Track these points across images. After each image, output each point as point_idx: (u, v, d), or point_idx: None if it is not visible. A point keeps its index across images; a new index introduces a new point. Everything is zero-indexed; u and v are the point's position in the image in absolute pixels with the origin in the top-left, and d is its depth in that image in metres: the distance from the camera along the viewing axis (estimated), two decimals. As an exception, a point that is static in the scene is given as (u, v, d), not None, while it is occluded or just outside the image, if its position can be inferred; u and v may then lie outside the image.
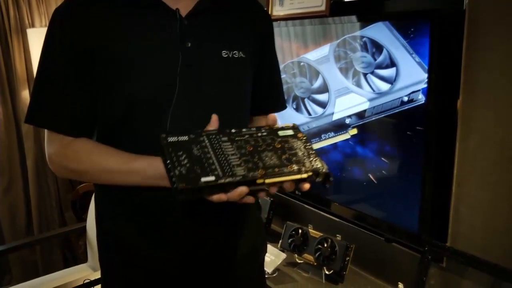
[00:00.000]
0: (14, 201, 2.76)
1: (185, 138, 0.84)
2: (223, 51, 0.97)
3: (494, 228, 1.28)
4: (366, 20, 1.49)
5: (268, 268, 1.69)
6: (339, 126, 1.64)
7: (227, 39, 0.99)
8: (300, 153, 0.87)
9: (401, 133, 1.46)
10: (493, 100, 1.25)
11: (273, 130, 0.90)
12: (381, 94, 1.46)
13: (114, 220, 1.02)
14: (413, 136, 1.41)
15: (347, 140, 1.62)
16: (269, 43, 1.12)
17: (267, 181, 0.81)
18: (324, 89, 1.68)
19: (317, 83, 1.71)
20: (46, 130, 0.98)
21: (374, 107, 1.50)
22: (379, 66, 1.46)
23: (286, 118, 1.83)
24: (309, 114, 1.76)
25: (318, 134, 1.72)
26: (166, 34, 0.93)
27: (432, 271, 1.43)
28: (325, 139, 1.70)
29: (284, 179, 0.83)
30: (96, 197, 1.07)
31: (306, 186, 0.86)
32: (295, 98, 1.81)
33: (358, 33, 1.52)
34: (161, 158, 0.84)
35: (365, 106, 1.52)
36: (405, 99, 1.40)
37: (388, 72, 1.43)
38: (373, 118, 1.51)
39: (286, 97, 1.82)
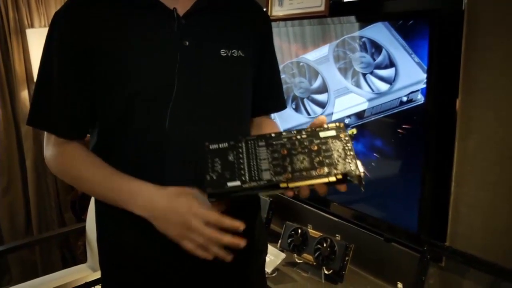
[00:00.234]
0: (14, 201, 2.76)
1: (225, 145, 0.87)
2: (222, 50, 0.97)
3: (494, 228, 1.28)
4: (365, 21, 1.49)
5: (268, 268, 1.69)
6: (339, 126, 1.64)
7: (226, 38, 0.99)
8: (335, 155, 0.84)
9: (400, 133, 1.46)
10: (492, 100, 1.25)
11: (314, 132, 0.88)
12: (380, 94, 1.47)
13: (115, 222, 1.02)
14: (412, 136, 1.41)
15: (346, 140, 1.62)
16: (268, 42, 1.12)
17: (291, 185, 0.81)
18: (323, 89, 1.68)
19: (317, 83, 1.71)
20: (45, 133, 1.00)
21: (373, 107, 1.50)
22: (378, 66, 1.46)
23: (285, 118, 1.84)
24: (309, 114, 1.76)
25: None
26: (164, 34, 0.94)
27: (431, 270, 1.43)
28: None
29: (309, 183, 0.82)
30: (97, 200, 1.07)
31: (342, 188, 0.84)
32: (295, 98, 1.82)
33: (357, 33, 1.52)
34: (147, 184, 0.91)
35: (364, 106, 1.53)
36: (404, 99, 1.40)
37: (387, 72, 1.43)
38: (372, 118, 1.51)
39: (285, 97, 1.83)
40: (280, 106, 1.19)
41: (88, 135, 1.03)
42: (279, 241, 1.79)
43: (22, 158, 2.76)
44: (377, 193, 1.57)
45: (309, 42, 1.72)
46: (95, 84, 0.93)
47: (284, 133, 0.88)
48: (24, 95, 2.69)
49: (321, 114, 1.70)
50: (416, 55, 1.34)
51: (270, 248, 1.72)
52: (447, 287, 1.43)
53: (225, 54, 0.97)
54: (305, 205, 1.91)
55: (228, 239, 0.85)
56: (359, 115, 1.55)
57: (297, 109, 1.81)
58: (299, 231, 1.73)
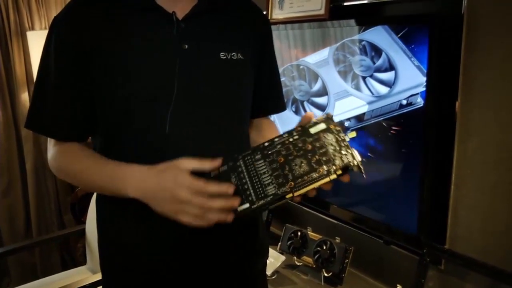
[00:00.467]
0: (13, 203, 2.76)
1: (225, 168, 0.88)
2: (221, 53, 0.97)
3: (493, 230, 1.29)
4: (365, 24, 1.50)
5: (268, 270, 1.69)
6: (338, 129, 1.64)
7: (225, 40, 1.00)
8: (331, 150, 0.83)
9: (400, 136, 1.46)
10: (492, 103, 1.25)
11: (304, 129, 0.87)
12: (380, 97, 1.47)
13: (116, 225, 1.02)
14: (411, 138, 1.42)
15: (346, 143, 1.62)
16: (267, 44, 1.12)
17: (296, 194, 0.82)
18: (323, 92, 1.69)
19: (317, 86, 1.71)
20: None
21: (373, 110, 1.51)
22: (378, 70, 1.47)
23: (285, 120, 1.84)
24: (308, 117, 1.77)
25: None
26: (164, 37, 0.94)
27: (431, 273, 1.44)
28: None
29: (312, 187, 0.82)
30: (98, 201, 1.07)
31: (345, 179, 0.84)
32: (295, 101, 1.82)
33: (357, 36, 1.53)
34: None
35: (364, 109, 1.53)
36: (404, 102, 1.40)
37: (387, 76, 1.44)
38: (372, 121, 1.52)
39: (285, 100, 1.83)
40: (280, 107, 1.19)
41: (89, 137, 1.03)
42: (279, 243, 1.80)
43: (22, 160, 2.76)
44: (376, 196, 1.58)
45: (309, 45, 1.73)
46: (95, 85, 0.93)
47: (276, 139, 0.87)
48: (25, 97, 2.69)
49: (321, 117, 1.70)
50: (415, 59, 1.35)
51: (270, 250, 1.72)
52: (446, 290, 1.44)
53: (224, 57, 0.98)
54: (304, 208, 1.91)
55: (219, 203, 0.84)
56: (359, 118, 1.56)
57: (297, 112, 1.82)
58: (299, 233, 1.73)
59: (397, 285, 1.51)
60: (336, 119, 1.58)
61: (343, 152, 0.82)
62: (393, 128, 1.46)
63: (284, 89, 1.84)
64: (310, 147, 0.84)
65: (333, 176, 0.81)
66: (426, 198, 1.39)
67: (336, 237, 1.66)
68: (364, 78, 1.52)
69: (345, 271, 1.60)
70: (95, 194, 1.15)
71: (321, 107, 1.70)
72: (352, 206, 1.68)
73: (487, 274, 1.27)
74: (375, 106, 1.49)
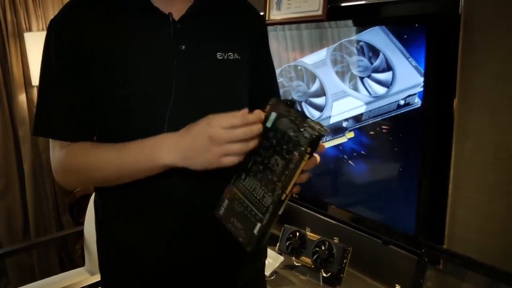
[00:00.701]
0: (11, 205, 2.75)
1: (226, 202, 0.90)
2: (218, 53, 0.98)
3: (491, 230, 1.29)
4: (362, 25, 1.50)
5: (266, 271, 1.69)
6: (336, 130, 1.65)
7: (222, 41, 1.00)
8: (291, 134, 0.82)
9: (398, 136, 1.47)
10: (489, 103, 1.26)
11: (265, 129, 0.85)
12: (378, 97, 1.47)
13: (115, 226, 1.02)
14: (409, 139, 1.42)
15: (344, 143, 1.63)
16: (264, 44, 1.12)
17: (287, 191, 0.81)
18: (321, 92, 1.69)
19: (314, 87, 1.72)
20: (50, 140, 0.99)
21: (370, 110, 1.51)
22: (376, 70, 1.47)
23: (283, 121, 1.84)
24: (306, 117, 1.77)
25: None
26: (161, 38, 0.94)
27: (429, 273, 1.44)
28: (322, 142, 1.70)
29: (297, 175, 0.81)
30: (96, 203, 1.07)
31: (320, 150, 0.83)
32: (292, 101, 1.82)
33: (354, 37, 1.53)
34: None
35: (362, 109, 1.53)
36: (402, 102, 1.41)
37: (385, 76, 1.44)
38: (370, 122, 1.52)
39: (283, 101, 1.83)
40: None
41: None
42: (277, 244, 1.80)
43: (19, 162, 2.76)
44: (375, 196, 1.58)
45: (306, 46, 1.73)
46: (95, 85, 0.93)
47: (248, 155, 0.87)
48: (22, 98, 2.69)
49: (319, 118, 1.70)
50: (413, 59, 1.35)
51: (269, 251, 1.72)
52: (444, 290, 1.44)
53: (221, 57, 0.98)
54: (303, 208, 1.91)
55: (255, 127, 0.81)
56: (357, 118, 1.56)
57: (295, 113, 1.82)
58: (297, 234, 1.73)
59: (396, 285, 1.52)
60: (334, 119, 1.59)
61: (302, 130, 0.80)
62: (391, 128, 1.46)
63: (282, 90, 1.85)
64: (275, 141, 0.84)
65: (307, 156, 0.80)
66: (424, 198, 1.40)
67: (335, 238, 1.66)
68: (361, 78, 1.52)
69: (343, 271, 1.61)
70: (93, 195, 1.15)
71: (319, 108, 1.70)
72: (351, 206, 1.68)
73: (486, 273, 1.27)
74: (373, 106, 1.50)
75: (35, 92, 2.68)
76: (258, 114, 0.82)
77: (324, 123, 1.68)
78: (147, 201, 0.97)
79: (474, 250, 1.31)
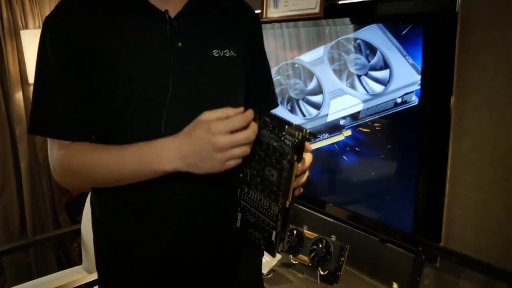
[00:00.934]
0: (8, 203, 2.75)
1: (240, 215, 0.94)
2: (214, 51, 0.97)
3: (487, 228, 1.29)
4: (360, 22, 1.50)
5: (263, 269, 1.69)
6: (334, 128, 1.64)
7: (218, 38, 1.00)
8: (275, 144, 0.83)
9: (395, 134, 1.47)
10: (486, 101, 1.26)
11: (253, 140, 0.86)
12: (375, 95, 1.47)
13: (112, 225, 1.01)
14: (406, 137, 1.42)
15: (341, 141, 1.63)
16: (259, 42, 1.12)
17: (289, 198, 0.83)
18: (318, 90, 1.69)
19: (312, 85, 1.71)
20: (48, 139, 0.98)
21: (368, 108, 1.51)
22: (373, 68, 1.47)
23: (280, 119, 1.84)
24: (304, 115, 1.77)
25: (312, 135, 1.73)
26: (157, 36, 0.93)
27: (426, 271, 1.44)
28: (319, 140, 1.70)
29: (293, 181, 0.82)
30: (92, 202, 1.06)
31: (308, 149, 0.85)
32: (290, 99, 1.82)
33: (352, 35, 1.53)
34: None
35: (359, 107, 1.53)
36: (399, 100, 1.41)
37: (382, 74, 1.44)
38: (367, 120, 1.52)
39: (280, 99, 1.83)
40: (273, 104, 1.19)
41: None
42: (275, 242, 1.79)
43: (16, 160, 2.75)
44: (372, 194, 1.58)
45: (304, 43, 1.73)
46: (94, 85, 0.92)
47: (243, 166, 0.88)
48: (19, 96, 2.68)
49: (316, 116, 1.70)
50: (410, 57, 1.35)
51: (266, 249, 1.73)
52: (442, 287, 1.44)
53: (217, 55, 0.97)
54: (300, 206, 1.91)
55: (252, 129, 0.83)
56: (354, 116, 1.56)
57: (292, 111, 1.82)
58: (295, 232, 1.73)
59: (393, 283, 1.52)
60: (331, 117, 1.59)
61: (282, 138, 0.82)
62: (388, 126, 1.46)
63: (279, 88, 1.85)
64: (262, 154, 0.86)
65: (296, 163, 0.81)
66: (421, 196, 1.40)
67: (332, 236, 1.66)
68: (359, 76, 1.52)
69: (341, 269, 1.61)
70: (89, 194, 1.14)
71: (316, 106, 1.70)
72: (348, 204, 1.68)
73: (482, 271, 1.28)
74: (370, 104, 1.50)
75: (32, 90, 2.66)
76: (252, 112, 0.83)
77: (321, 121, 1.68)
78: (146, 202, 0.96)
79: (471, 248, 1.32)
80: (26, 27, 2.65)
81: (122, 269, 1.02)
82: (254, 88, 1.09)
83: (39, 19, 2.69)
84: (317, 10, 1.68)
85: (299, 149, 0.80)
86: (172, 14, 0.94)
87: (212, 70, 0.98)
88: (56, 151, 0.96)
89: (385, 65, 1.43)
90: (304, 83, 1.75)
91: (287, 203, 0.82)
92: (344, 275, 1.63)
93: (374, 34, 1.45)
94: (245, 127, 0.83)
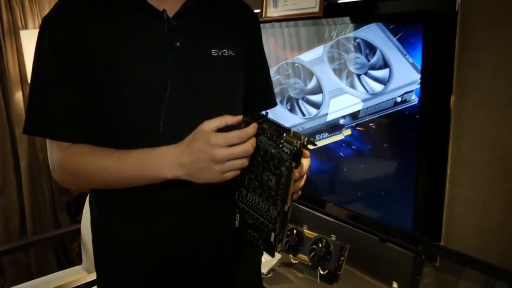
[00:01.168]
0: (8, 203, 2.75)
1: (238, 216, 0.94)
2: (213, 50, 0.97)
3: (487, 227, 1.29)
4: (359, 22, 1.50)
5: (263, 268, 1.69)
6: (333, 127, 1.64)
7: (216, 37, 0.99)
8: (273, 151, 0.84)
9: (395, 134, 1.47)
10: (486, 100, 1.26)
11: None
12: (375, 95, 1.47)
13: (113, 226, 1.01)
14: (406, 136, 1.42)
15: (341, 140, 1.63)
16: (257, 41, 1.12)
17: (288, 203, 0.83)
18: (318, 90, 1.69)
19: (311, 84, 1.71)
20: (47, 139, 0.97)
21: (367, 107, 1.51)
22: (373, 67, 1.47)
23: (280, 119, 1.83)
24: (303, 115, 1.77)
25: (312, 134, 1.73)
26: (156, 36, 0.93)
27: (426, 270, 1.44)
28: (319, 139, 1.70)
29: (292, 186, 0.83)
30: (91, 202, 1.06)
31: (306, 155, 0.86)
32: (289, 99, 1.82)
33: (351, 34, 1.53)
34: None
35: (359, 106, 1.53)
36: (398, 99, 1.40)
37: (382, 73, 1.44)
38: (367, 119, 1.52)
39: (280, 98, 1.83)
40: (271, 103, 1.19)
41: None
42: (275, 241, 1.79)
43: (16, 160, 2.75)
44: (372, 193, 1.58)
45: (303, 43, 1.73)
46: (94, 86, 0.92)
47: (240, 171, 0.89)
48: (18, 96, 2.68)
49: (316, 115, 1.70)
50: (410, 56, 1.35)
51: (266, 248, 1.73)
52: (442, 287, 1.44)
53: (216, 54, 0.97)
54: (300, 206, 1.91)
55: (251, 143, 0.84)
56: (354, 115, 1.56)
57: (292, 110, 1.82)
58: (295, 231, 1.73)
59: (393, 282, 1.52)
60: (331, 117, 1.59)
61: (280, 145, 0.82)
62: (388, 125, 1.46)
63: (279, 87, 1.85)
64: (260, 159, 0.86)
65: (294, 170, 0.81)
66: (421, 195, 1.40)
67: (332, 235, 1.66)
68: (358, 75, 1.52)
69: (341, 268, 1.61)
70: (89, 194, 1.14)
71: (316, 105, 1.70)
72: (348, 204, 1.68)
73: (482, 271, 1.28)
74: (369, 103, 1.49)
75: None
76: (254, 127, 0.85)
77: (321, 121, 1.68)
78: (145, 202, 0.96)
79: (471, 247, 1.31)
80: (25, 27, 2.65)
81: (121, 269, 1.02)
82: (253, 87, 1.09)
83: (39, 19, 2.69)
84: (316, 9, 1.68)
85: (298, 157, 0.81)
86: (170, 13, 0.94)
87: (211, 69, 0.97)
88: (55, 152, 0.95)
89: (385, 64, 1.43)
90: (304, 82, 1.75)
91: (286, 207, 0.83)
92: (344, 275, 1.63)
93: (373, 33, 1.45)
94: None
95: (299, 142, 0.80)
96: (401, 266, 1.52)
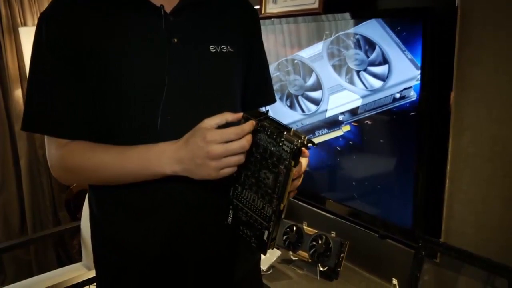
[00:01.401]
0: (8, 200, 2.75)
1: (231, 212, 0.93)
2: (211, 46, 0.97)
3: (487, 224, 1.29)
4: (359, 18, 1.49)
5: (263, 265, 1.69)
6: (333, 123, 1.64)
7: (215, 34, 0.99)
8: (273, 149, 0.84)
9: (394, 130, 1.46)
10: (486, 97, 1.25)
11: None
12: (374, 91, 1.47)
13: (112, 224, 1.01)
14: (406, 132, 1.42)
15: (340, 136, 1.63)
16: (257, 37, 1.12)
17: (284, 201, 0.84)
18: (317, 86, 1.68)
19: (311, 81, 1.71)
20: (45, 136, 0.97)
21: (367, 104, 1.50)
22: (372, 63, 1.46)
23: (280, 115, 1.84)
24: (303, 111, 1.76)
25: (311, 131, 1.73)
26: (153, 32, 0.93)
27: (426, 266, 1.44)
28: (318, 136, 1.70)
29: (289, 185, 0.83)
30: (91, 199, 1.06)
31: (305, 155, 0.87)
32: (289, 95, 1.82)
33: (351, 30, 1.52)
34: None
35: (358, 103, 1.53)
36: (397, 96, 1.40)
37: (381, 69, 1.44)
38: (366, 115, 1.51)
39: (280, 95, 1.83)
40: (270, 100, 1.19)
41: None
42: (274, 238, 1.79)
43: (16, 157, 2.75)
44: (371, 190, 1.58)
45: (303, 39, 1.72)
46: (93, 83, 0.92)
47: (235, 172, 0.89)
48: (18, 93, 2.68)
49: (315, 111, 1.70)
50: (409, 52, 1.35)
51: (266, 245, 1.72)
52: (441, 283, 1.44)
53: (214, 50, 0.97)
54: (300, 202, 1.91)
55: (246, 139, 0.84)
56: (353, 112, 1.56)
57: (291, 107, 1.81)
58: (294, 228, 1.73)
59: (393, 278, 1.52)
60: (330, 113, 1.58)
61: (280, 144, 0.82)
62: (387, 122, 1.46)
63: (278, 84, 1.84)
64: (258, 156, 0.86)
65: (293, 168, 0.82)
66: (421, 192, 1.40)
67: (332, 232, 1.66)
68: (358, 72, 1.51)
69: (340, 265, 1.61)
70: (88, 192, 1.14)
71: (316, 101, 1.70)
72: (347, 200, 1.68)
73: (482, 267, 1.28)
74: (369, 100, 1.49)
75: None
76: (251, 124, 0.85)
77: (321, 117, 1.68)
78: (142, 199, 0.96)
79: (470, 244, 1.31)
80: (24, 24, 2.64)
81: (119, 266, 1.02)
82: (252, 83, 1.09)
83: (38, 16, 2.68)
84: (316, 5, 1.67)
85: (297, 156, 0.81)
86: (168, 9, 0.94)
87: (209, 66, 0.97)
88: (54, 149, 0.95)
89: (384, 61, 1.42)
90: (303, 79, 1.74)
91: (282, 205, 0.83)
92: (344, 271, 1.63)
93: (373, 29, 1.44)
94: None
95: (299, 141, 0.80)
96: (401, 263, 1.52)
